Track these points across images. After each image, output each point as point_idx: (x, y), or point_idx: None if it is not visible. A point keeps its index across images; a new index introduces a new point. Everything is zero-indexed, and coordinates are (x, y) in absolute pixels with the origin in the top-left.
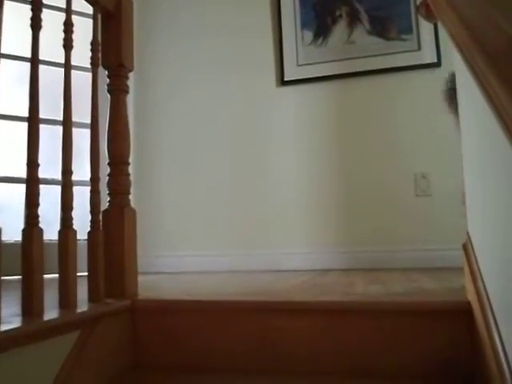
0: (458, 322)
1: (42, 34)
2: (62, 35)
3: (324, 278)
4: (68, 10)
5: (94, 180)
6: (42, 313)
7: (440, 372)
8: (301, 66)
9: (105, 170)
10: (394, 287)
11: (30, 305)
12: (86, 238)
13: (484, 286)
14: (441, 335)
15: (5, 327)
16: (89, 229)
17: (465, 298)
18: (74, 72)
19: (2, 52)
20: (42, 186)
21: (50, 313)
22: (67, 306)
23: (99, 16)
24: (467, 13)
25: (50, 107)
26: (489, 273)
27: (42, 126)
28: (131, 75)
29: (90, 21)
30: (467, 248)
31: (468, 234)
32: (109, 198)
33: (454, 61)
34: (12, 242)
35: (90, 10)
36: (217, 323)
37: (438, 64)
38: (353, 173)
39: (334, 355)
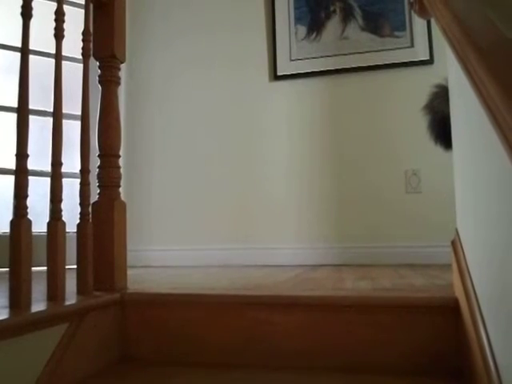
0: (446, 317)
1: (32, 24)
2: (53, 25)
3: (314, 274)
4: None
5: (84, 172)
6: (30, 305)
7: (428, 367)
8: (294, 60)
9: (95, 162)
10: (383, 283)
11: (18, 297)
12: (75, 230)
13: (472, 282)
14: (428, 331)
15: None
16: (78, 221)
17: (452, 294)
18: (64, 63)
19: None
20: (30, 178)
21: (38, 305)
22: (55, 298)
23: (91, 6)
24: (460, 9)
25: (39, 98)
26: (478, 269)
27: (30, 118)
28: (123, 68)
29: (82, 11)
30: (456, 245)
31: (457, 230)
32: (99, 191)
33: (447, 58)
34: (0, 233)
35: None
36: (206, 317)
37: (430, 61)
38: (344, 169)
39: (323, 350)
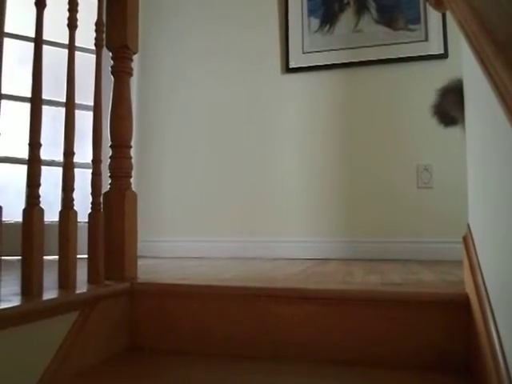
0: (456, 313)
1: (45, 14)
2: (66, 15)
3: (323, 267)
4: None
5: (96, 162)
6: (42, 292)
7: (436, 362)
8: (306, 53)
9: (107, 152)
10: (393, 278)
11: (30, 284)
12: (86, 220)
13: (483, 278)
14: (438, 326)
15: (4, 305)
16: (89, 211)
17: (463, 291)
18: (77, 53)
19: (5, 31)
20: (43, 168)
21: (50, 293)
22: (66, 286)
23: None
24: (477, 1)
25: (52, 89)
26: (489, 265)
27: (43, 108)
28: (136, 60)
29: (95, 2)
30: (467, 240)
31: (468, 226)
32: (110, 181)
33: (462, 52)
34: (13, 222)
35: None
36: (214, 308)
37: (444, 55)
38: (355, 163)
39: (331, 343)
